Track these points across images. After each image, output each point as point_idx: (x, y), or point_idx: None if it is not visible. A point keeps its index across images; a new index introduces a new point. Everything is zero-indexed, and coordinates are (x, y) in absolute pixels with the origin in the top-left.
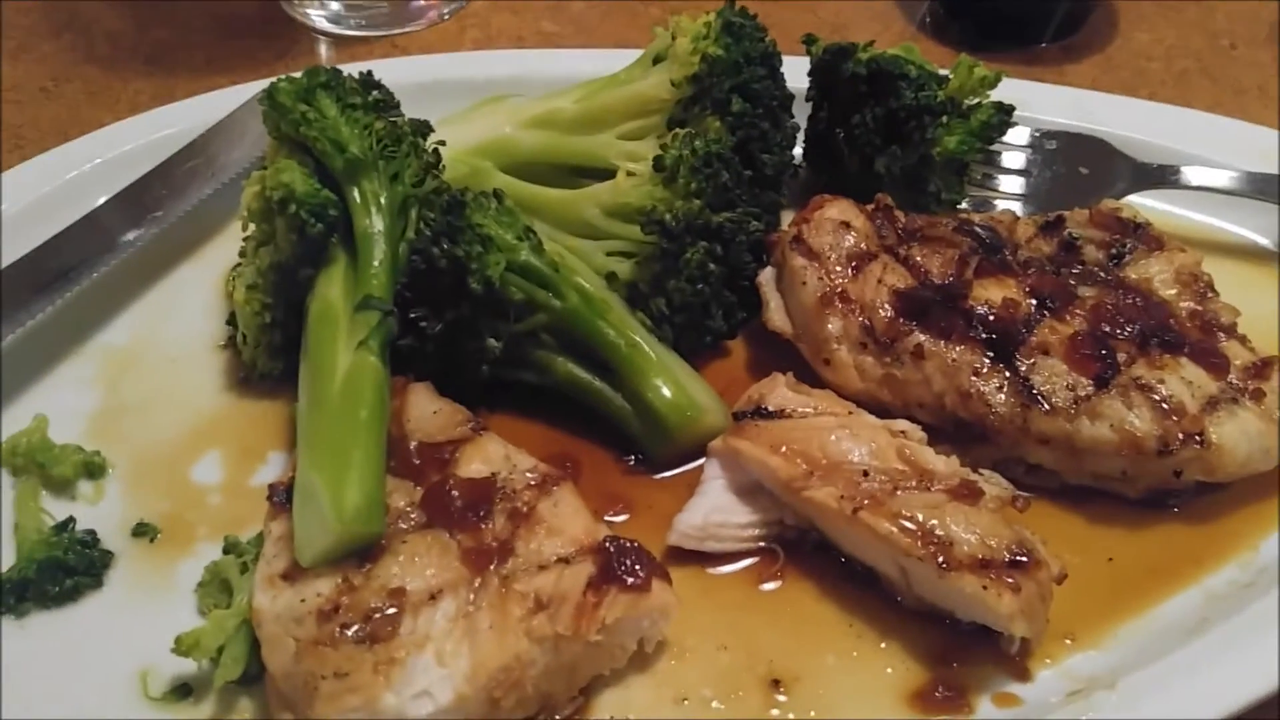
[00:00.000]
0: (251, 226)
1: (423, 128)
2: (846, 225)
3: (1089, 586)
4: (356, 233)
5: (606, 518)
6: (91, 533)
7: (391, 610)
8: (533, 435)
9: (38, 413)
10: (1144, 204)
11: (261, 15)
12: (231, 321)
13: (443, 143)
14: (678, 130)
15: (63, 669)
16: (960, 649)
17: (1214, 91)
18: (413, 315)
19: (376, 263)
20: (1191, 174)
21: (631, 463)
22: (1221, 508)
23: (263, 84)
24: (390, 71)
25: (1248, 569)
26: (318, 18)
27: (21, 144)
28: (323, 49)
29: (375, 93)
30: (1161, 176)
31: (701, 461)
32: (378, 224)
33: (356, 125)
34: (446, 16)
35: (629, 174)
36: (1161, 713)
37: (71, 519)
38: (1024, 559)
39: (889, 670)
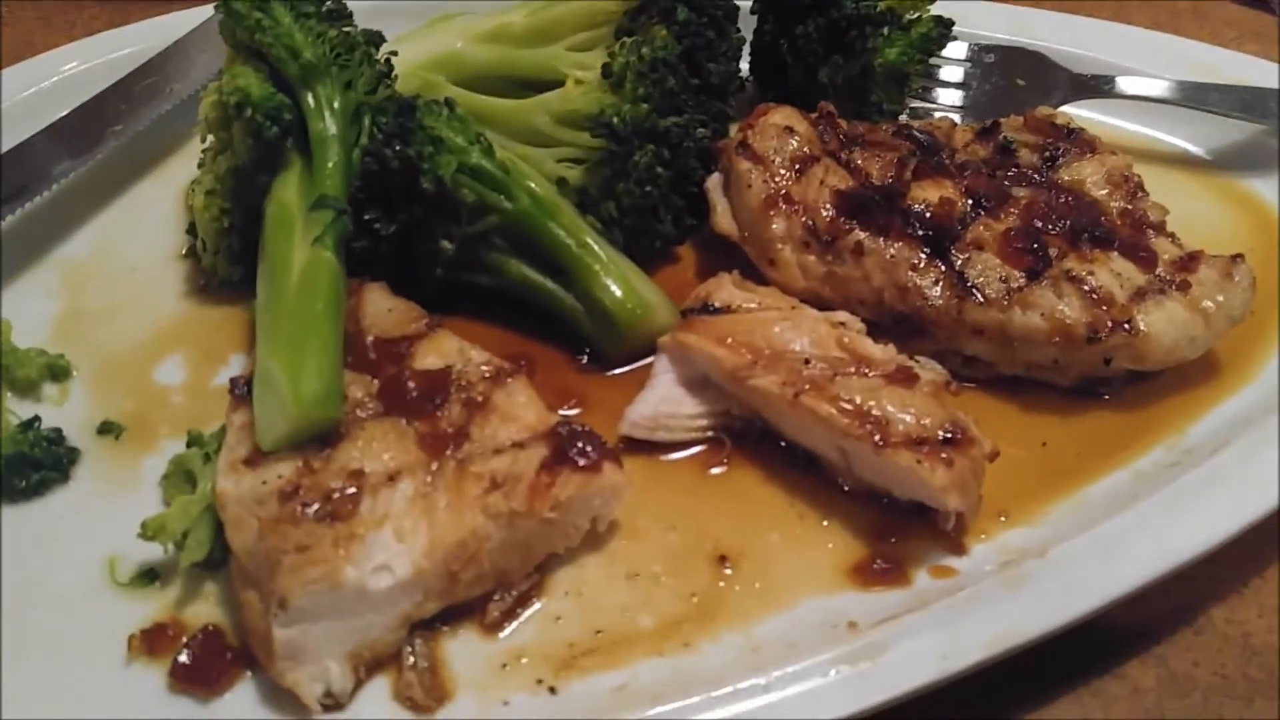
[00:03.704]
0: (210, 137)
1: (375, 38)
2: (790, 130)
3: (1022, 469)
4: (311, 136)
5: (561, 411)
6: (57, 430)
7: (351, 490)
8: (487, 337)
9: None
10: (1080, 114)
11: None
12: (191, 231)
13: (395, 53)
14: (625, 39)
15: (31, 559)
16: (898, 526)
17: (1150, 11)
18: (366, 217)
19: (330, 164)
20: (1126, 84)
21: (584, 361)
22: (1150, 396)
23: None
24: None
25: (1174, 450)
26: None
27: None
28: None
29: (328, 2)
30: (1097, 86)
31: (651, 359)
32: (331, 127)
33: (310, 33)
34: None
35: (578, 81)
36: (1090, 576)
37: (37, 418)
38: (956, 436)
39: (830, 546)
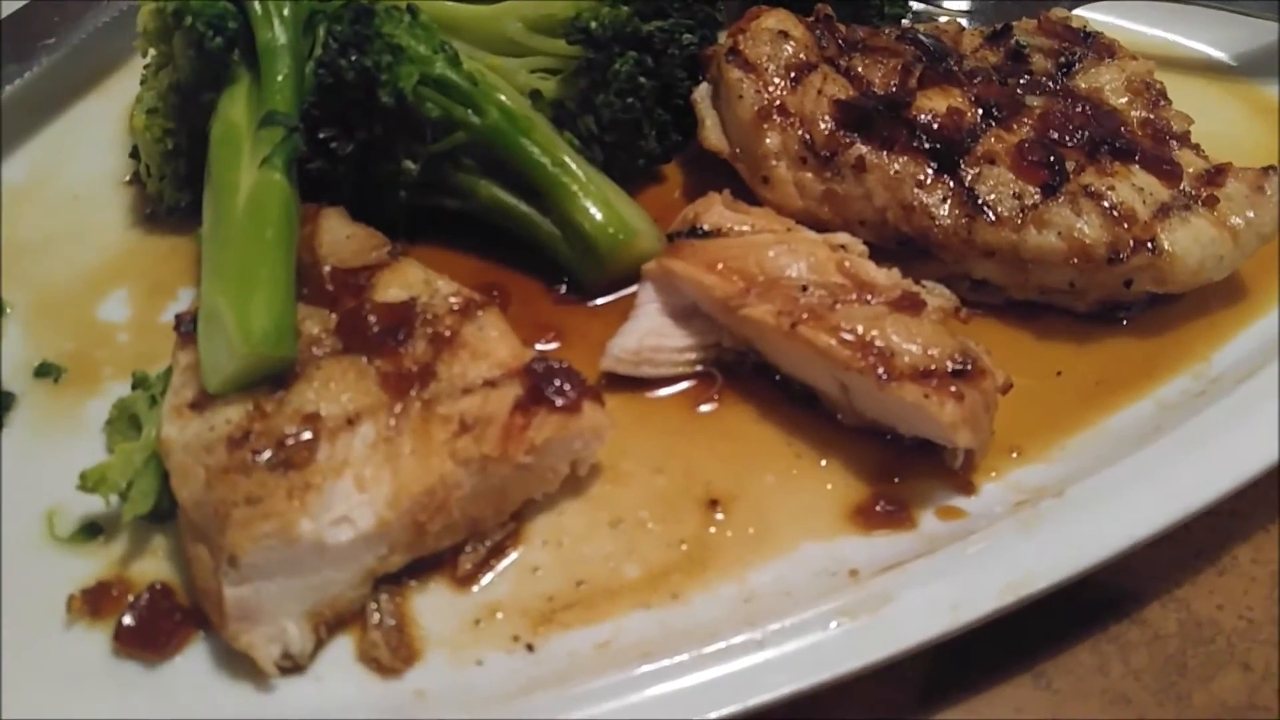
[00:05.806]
0: (151, 52)
1: None
2: (785, 35)
3: (1036, 401)
4: (259, 47)
5: (537, 346)
6: None
7: (307, 436)
8: (457, 266)
9: None
10: (1095, 18)
11: None
12: (135, 154)
13: None
14: None
15: None
16: (902, 465)
17: None
18: (322, 136)
19: (280, 77)
20: None
21: (562, 291)
22: (1172, 320)
23: None
24: None
25: (1200, 379)
26: None
27: None
28: None
29: None
30: None
31: (635, 288)
32: (281, 37)
33: None
34: None
35: None
36: (1111, 516)
37: None
38: (967, 368)
39: (829, 487)
